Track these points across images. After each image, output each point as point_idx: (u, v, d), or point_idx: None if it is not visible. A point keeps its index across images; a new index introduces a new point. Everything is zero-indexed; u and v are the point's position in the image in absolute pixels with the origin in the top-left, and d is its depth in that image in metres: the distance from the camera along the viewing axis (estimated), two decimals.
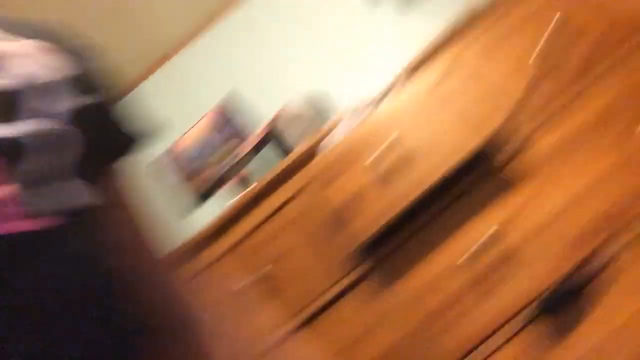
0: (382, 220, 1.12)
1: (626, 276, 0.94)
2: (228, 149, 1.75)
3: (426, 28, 1.46)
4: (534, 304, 0.99)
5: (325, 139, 1.31)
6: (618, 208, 1.03)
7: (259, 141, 1.58)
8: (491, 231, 1.06)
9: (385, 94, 1.29)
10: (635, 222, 0.99)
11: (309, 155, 1.31)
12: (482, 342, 1.03)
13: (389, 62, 1.46)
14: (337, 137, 1.27)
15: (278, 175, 1.32)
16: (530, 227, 1.07)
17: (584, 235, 1.03)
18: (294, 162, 1.32)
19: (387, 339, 1.11)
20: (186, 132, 1.82)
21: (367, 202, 1.14)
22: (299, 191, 1.27)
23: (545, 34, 1.15)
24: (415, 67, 1.31)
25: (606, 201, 1.03)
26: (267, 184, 1.32)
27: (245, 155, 1.63)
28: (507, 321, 1.03)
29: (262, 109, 1.77)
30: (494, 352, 1.01)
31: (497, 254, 1.06)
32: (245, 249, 1.27)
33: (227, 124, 1.79)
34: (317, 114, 1.57)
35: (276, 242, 1.26)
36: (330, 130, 1.34)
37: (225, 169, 1.71)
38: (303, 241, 1.24)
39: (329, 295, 1.19)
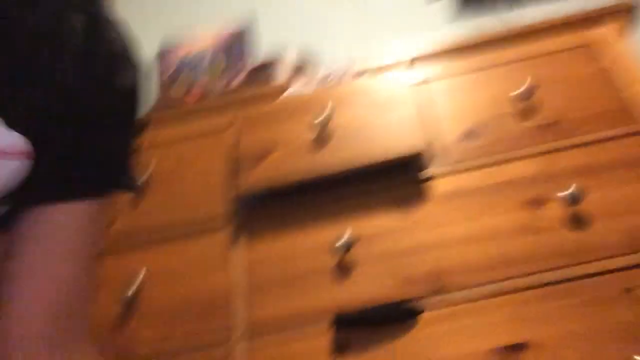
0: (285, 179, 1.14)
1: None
2: (217, 69, 1.76)
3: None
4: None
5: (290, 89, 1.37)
6: (470, 269, 1.00)
7: (249, 74, 1.65)
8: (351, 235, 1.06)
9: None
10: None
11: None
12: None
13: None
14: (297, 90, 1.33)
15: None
16: (390, 247, 1.06)
17: (425, 277, 1.01)
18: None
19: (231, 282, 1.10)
20: (187, 42, 1.85)
21: (285, 158, 1.16)
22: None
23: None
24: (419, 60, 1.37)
25: (468, 258, 1.01)
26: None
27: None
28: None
29: (267, 45, 1.77)
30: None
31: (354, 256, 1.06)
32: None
33: (231, 47, 1.80)
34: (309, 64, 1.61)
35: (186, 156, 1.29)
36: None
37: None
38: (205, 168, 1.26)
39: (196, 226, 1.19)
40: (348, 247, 1.05)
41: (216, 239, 1.16)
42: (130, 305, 1.10)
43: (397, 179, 1.16)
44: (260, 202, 1.20)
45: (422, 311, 0.97)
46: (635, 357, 0.81)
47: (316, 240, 1.12)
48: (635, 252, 0.95)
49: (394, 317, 0.96)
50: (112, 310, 1.10)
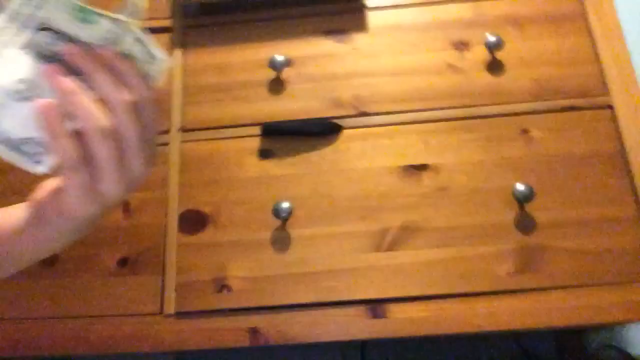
0: None
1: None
2: None
3: None
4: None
5: None
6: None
7: None
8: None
9: None
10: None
11: None
12: None
13: None
14: None
15: None
16: (321, 71, 1.11)
17: (350, 100, 1.08)
18: None
19: None
20: None
21: None
22: None
23: None
24: None
25: (391, 88, 1.08)
26: None
27: None
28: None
29: None
30: None
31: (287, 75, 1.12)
32: None
33: None
34: None
35: None
36: None
37: None
38: None
39: None
40: (282, 65, 1.09)
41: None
42: None
43: (338, 6, 1.18)
44: (195, 15, 1.18)
45: (342, 128, 1.06)
46: (517, 184, 0.97)
47: (252, 56, 1.14)
48: (536, 100, 1.07)
49: (318, 131, 1.05)
50: None
